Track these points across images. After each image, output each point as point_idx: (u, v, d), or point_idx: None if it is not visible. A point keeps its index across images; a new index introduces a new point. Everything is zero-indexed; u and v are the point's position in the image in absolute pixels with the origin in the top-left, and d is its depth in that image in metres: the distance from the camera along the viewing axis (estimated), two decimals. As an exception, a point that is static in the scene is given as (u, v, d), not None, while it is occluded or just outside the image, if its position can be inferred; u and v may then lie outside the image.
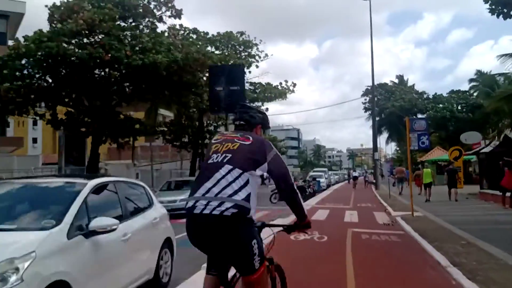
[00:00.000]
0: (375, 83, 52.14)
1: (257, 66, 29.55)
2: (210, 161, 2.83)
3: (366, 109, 53.41)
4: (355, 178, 37.14)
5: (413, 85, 54.67)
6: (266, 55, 29.22)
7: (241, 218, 2.60)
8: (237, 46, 29.70)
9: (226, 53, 28.94)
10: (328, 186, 38.52)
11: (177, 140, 29.45)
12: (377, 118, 55.45)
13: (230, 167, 2.70)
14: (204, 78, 21.77)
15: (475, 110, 45.35)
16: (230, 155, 2.76)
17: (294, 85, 31.11)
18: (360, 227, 11.44)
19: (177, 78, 19.76)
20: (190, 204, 2.67)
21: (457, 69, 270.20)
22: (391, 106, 46.66)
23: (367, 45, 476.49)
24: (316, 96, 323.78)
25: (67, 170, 23.71)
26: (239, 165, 2.72)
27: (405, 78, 56.60)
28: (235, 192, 2.61)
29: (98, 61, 17.86)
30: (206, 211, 2.57)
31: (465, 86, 50.56)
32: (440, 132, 47.15)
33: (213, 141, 3.04)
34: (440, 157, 37.87)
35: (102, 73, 19.88)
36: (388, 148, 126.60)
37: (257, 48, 29.43)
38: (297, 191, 3.08)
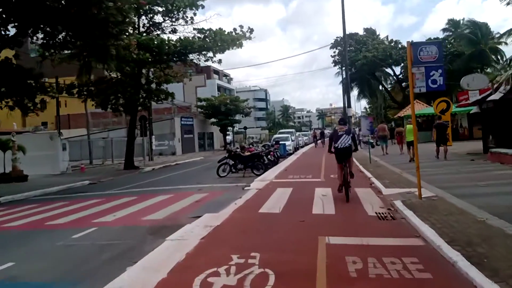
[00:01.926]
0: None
1: (202, 6, 23.55)
2: (339, 134, 9.19)
3: (335, 63, 48.21)
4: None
5: (386, 36, 49.32)
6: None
7: (351, 148, 9.27)
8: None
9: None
10: (296, 149, 33.53)
11: (107, 102, 23.41)
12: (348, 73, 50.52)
13: (346, 135, 9.12)
14: (127, 15, 15.96)
15: (455, 59, 40.89)
16: (344, 132, 9.19)
17: (251, 30, 25.31)
18: (340, 230, 6.37)
19: (76, 11, 13.77)
20: (336, 145, 9.14)
21: (424, 26, 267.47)
22: (362, 58, 41.46)
23: (333, 4, 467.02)
24: (285, 57, 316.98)
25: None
26: (347, 134, 9.16)
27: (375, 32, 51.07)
28: (348, 141, 9.08)
29: None
30: (343, 146, 9.06)
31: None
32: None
33: (336, 128, 9.77)
34: (418, 111, 33.34)
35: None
36: (358, 107, 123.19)
37: (203, -19, 23.30)
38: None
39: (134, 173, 21.56)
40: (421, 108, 34.93)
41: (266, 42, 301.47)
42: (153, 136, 31.48)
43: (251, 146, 19.40)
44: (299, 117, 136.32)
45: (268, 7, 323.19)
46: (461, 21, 46.44)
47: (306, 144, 43.07)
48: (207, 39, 24.54)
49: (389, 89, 49.23)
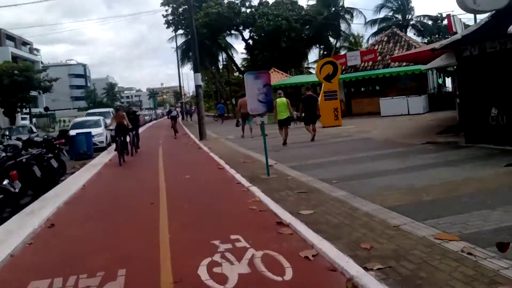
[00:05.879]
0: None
1: None
2: (172, 111, 22.80)
3: (168, 24, 37.18)
4: (174, 118, 21.64)
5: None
6: None
7: (177, 116, 23.28)
8: None
9: None
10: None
11: None
12: (184, 40, 40.05)
13: (175, 111, 22.64)
14: None
15: (307, 25, 34.37)
16: (174, 109, 23.49)
17: None
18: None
19: None
20: (170, 115, 21.96)
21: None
22: (204, 16, 31.45)
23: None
24: (111, 35, 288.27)
25: None
26: (175, 110, 23.11)
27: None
28: (176, 113, 22.21)
29: None
30: (173, 116, 21.40)
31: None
32: (268, 53, 35.03)
33: (171, 108, 29.12)
34: (280, 82, 25.29)
35: None
36: (192, 85, 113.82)
37: None
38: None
39: None
40: (281, 78, 27.07)
41: (90, 17, 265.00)
42: None
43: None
44: (127, 97, 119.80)
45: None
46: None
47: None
48: None
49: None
